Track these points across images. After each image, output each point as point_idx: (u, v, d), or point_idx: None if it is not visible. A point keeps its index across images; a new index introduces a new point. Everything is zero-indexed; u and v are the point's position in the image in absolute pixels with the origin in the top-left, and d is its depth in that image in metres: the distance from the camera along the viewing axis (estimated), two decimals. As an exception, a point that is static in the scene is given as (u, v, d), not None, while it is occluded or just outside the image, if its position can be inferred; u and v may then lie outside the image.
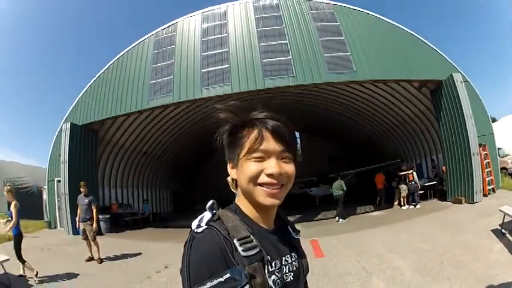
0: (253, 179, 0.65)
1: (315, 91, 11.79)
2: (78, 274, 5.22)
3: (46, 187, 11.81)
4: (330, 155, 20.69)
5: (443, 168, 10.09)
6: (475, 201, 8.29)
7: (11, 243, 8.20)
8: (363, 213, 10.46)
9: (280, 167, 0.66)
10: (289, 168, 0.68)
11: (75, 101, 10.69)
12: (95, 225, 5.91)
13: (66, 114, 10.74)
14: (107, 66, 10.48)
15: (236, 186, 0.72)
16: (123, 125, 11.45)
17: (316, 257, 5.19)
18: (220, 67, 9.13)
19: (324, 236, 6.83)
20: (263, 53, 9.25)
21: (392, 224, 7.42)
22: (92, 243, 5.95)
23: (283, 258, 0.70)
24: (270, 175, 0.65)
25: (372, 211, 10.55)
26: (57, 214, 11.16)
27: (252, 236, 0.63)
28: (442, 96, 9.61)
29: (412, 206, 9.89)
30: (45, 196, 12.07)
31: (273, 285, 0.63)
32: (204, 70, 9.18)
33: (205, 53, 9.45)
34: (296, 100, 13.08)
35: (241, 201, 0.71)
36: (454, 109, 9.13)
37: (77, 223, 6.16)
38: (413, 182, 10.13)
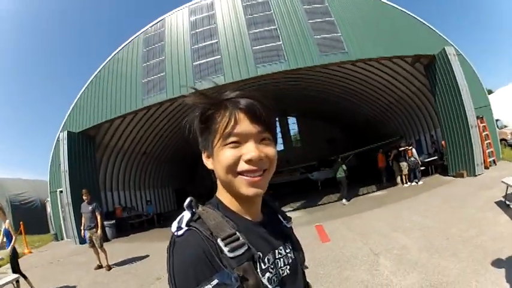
0: (231, 168, 0.59)
1: (308, 75, 11.70)
2: (89, 284, 5.18)
3: (49, 199, 11.77)
4: (329, 138, 20.64)
5: (443, 142, 10.09)
6: (476, 173, 8.28)
7: (20, 261, 8.23)
8: (366, 193, 10.44)
9: (260, 150, 0.59)
10: (270, 150, 0.61)
11: (70, 109, 10.60)
12: (100, 232, 5.83)
13: (62, 123, 10.66)
14: (98, 70, 10.38)
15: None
16: (119, 128, 11.39)
17: (322, 242, 5.17)
18: (211, 58, 9.06)
19: (328, 220, 6.82)
20: (253, 40, 9.17)
21: (395, 202, 7.40)
22: (99, 250, 5.88)
23: (276, 251, 0.64)
24: (248, 161, 0.58)
25: (374, 191, 10.54)
26: (62, 225, 11.13)
27: (237, 233, 0.57)
28: (436, 70, 9.55)
29: (414, 183, 9.90)
30: (49, 209, 12.03)
31: (268, 284, 0.57)
32: (195, 63, 9.10)
33: (196, 46, 9.36)
34: (291, 85, 13.00)
35: (221, 194, 0.65)
36: (449, 83, 9.08)
37: (82, 232, 6.09)
38: (412, 159, 10.14)
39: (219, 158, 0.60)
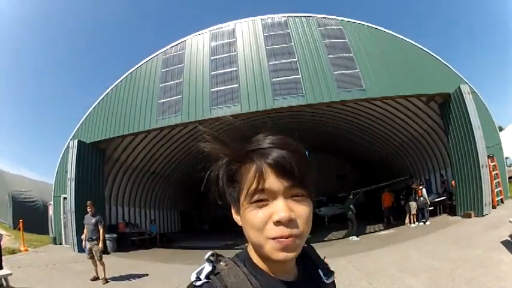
0: (260, 230, 0.52)
1: (323, 109, 11.71)
2: None
3: (52, 203, 11.74)
4: (339, 174, 20.40)
5: (453, 182, 10.00)
6: (484, 213, 8.22)
7: (14, 257, 8.14)
8: (373, 232, 10.32)
9: (290, 209, 0.52)
10: (303, 208, 0.54)
11: (83, 119, 10.65)
12: (101, 245, 5.82)
13: (74, 131, 10.70)
14: (115, 84, 10.45)
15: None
16: (131, 144, 11.40)
17: None
18: (229, 86, 9.09)
19: (334, 257, 6.70)
20: (272, 71, 9.21)
21: (402, 242, 7.38)
22: (98, 262, 5.88)
23: None
24: (277, 222, 0.51)
25: (382, 230, 10.43)
26: (62, 231, 11.08)
27: None
28: (450, 109, 9.54)
29: (421, 223, 9.78)
30: (50, 212, 11.99)
31: None
32: (213, 89, 9.13)
33: (214, 72, 9.41)
34: (306, 119, 12.99)
35: (251, 249, 0.59)
36: (463, 121, 9.07)
37: (84, 243, 6.10)
38: (422, 198, 10.04)
39: (246, 218, 0.54)
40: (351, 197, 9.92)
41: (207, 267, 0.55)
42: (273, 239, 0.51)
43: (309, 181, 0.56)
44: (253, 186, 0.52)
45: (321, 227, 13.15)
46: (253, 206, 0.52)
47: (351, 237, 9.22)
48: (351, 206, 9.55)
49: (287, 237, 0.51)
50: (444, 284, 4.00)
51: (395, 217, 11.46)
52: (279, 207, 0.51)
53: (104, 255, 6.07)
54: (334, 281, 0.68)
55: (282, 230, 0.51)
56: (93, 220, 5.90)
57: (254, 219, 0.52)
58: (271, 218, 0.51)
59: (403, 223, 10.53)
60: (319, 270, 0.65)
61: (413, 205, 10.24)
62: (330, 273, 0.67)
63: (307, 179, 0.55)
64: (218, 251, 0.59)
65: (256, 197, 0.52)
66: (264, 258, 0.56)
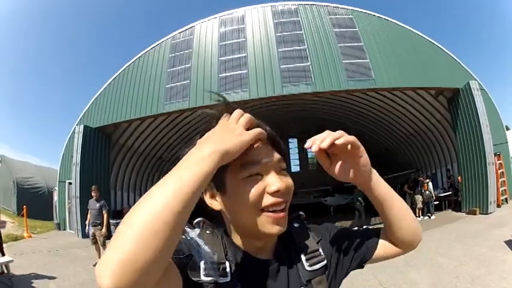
0: (255, 204, 0.51)
1: (332, 99, 11.62)
2: (85, 280, 5.07)
3: (57, 188, 11.76)
4: None
5: (459, 178, 9.97)
6: (489, 212, 8.21)
7: (17, 244, 8.16)
8: (378, 223, 10.28)
9: (283, 180, 0.53)
10: (290, 180, 0.55)
11: (89, 104, 10.60)
12: (104, 230, 5.77)
13: (80, 117, 10.66)
14: (122, 69, 10.38)
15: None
16: (137, 129, 11.32)
17: None
18: (238, 72, 9.00)
19: None
20: (281, 58, 9.11)
21: None
22: (101, 248, 5.82)
23: None
24: (275, 193, 0.51)
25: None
26: (67, 216, 11.11)
27: (227, 262, 0.51)
28: (459, 104, 9.47)
29: (426, 217, 9.73)
30: (55, 197, 12.02)
31: None
32: (221, 75, 9.06)
33: (223, 58, 9.32)
34: (313, 108, 12.90)
35: (232, 231, 0.58)
36: (471, 118, 9.01)
37: (87, 228, 6.05)
38: (427, 192, 10.00)
39: (237, 195, 0.51)
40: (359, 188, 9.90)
41: (194, 231, 0.53)
42: (267, 209, 0.51)
43: (287, 157, 0.58)
44: (248, 159, 0.50)
45: (326, 217, 13.07)
46: (247, 180, 0.50)
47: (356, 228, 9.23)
48: (359, 197, 9.51)
49: (281, 204, 0.52)
50: (448, 280, 4.02)
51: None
52: (275, 179, 0.51)
53: (107, 241, 5.95)
54: (322, 268, 0.60)
55: (277, 199, 0.51)
56: (97, 205, 5.83)
57: (251, 193, 0.50)
58: (267, 188, 0.51)
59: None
60: (302, 255, 0.60)
61: (418, 198, 10.20)
62: (315, 259, 0.60)
63: (286, 154, 0.58)
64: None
65: (251, 171, 0.51)
66: (250, 236, 0.55)
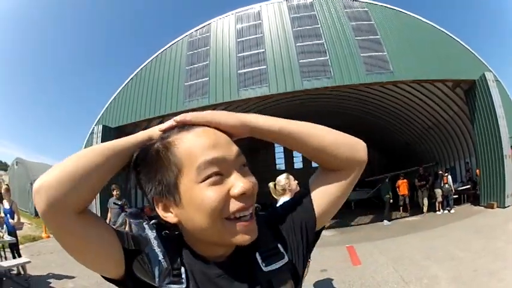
0: (220, 212, 0.45)
1: (350, 92, 11.55)
2: (103, 278, 5.09)
3: (76, 189, 11.88)
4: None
5: (477, 171, 9.86)
6: (506, 205, 8.14)
7: (35, 244, 8.20)
8: (399, 218, 10.23)
9: (249, 180, 0.47)
10: (254, 179, 0.49)
11: (108, 104, 10.71)
12: (127, 228, 5.69)
13: (98, 117, 10.77)
14: (140, 68, 10.47)
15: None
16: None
17: (353, 264, 5.15)
18: (257, 68, 9.00)
19: (361, 242, 6.82)
20: (300, 53, 9.08)
21: (428, 229, 7.42)
22: None
23: None
24: (241, 195, 0.45)
25: (407, 216, 10.34)
26: (86, 215, 11.22)
27: (182, 268, 0.49)
28: (475, 96, 9.35)
29: (446, 211, 9.67)
30: (74, 198, 12.14)
31: None
32: (240, 71, 9.06)
33: (241, 54, 9.33)
34: (333, 102, 12.82)
35: (187, 237, 0.53)
36: (487, 110, 8.90)
37: None
38: (447, 186, 9.91)
39: (195, 204, 0.45)
40: (387, 181, 9.96)
41: (152, 232, 0.51)
42: (235, 218, 0.45)
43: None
44: (199, 159, 0.44)
45: (347, 212, 13.04)
46: (205, 185, 0.44)
47: (383, 222, 9.20)
48: (388, 190, 9.59)
49: (248, 209, 0.46)
50: (466, 274, 4.03)
51: (412, 205, 11.26)
52: (239, 180, 0.45)
53: (129, 239, 6.03)
54: (284, 266, 0.52)
55: (244, 205, 0.45)
56: (119, 203, 5.81)
57: (211, 198, 0.44)
58: (232, 191, 0.45)
59: (421, 212, 10.36)
60: (257, 253, 0.52)
61: (438, 192, 10.12)
62: (274, 258, 0.52)
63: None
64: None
65: (206, 172, 0.44)
66: (213, 244, 0.50)
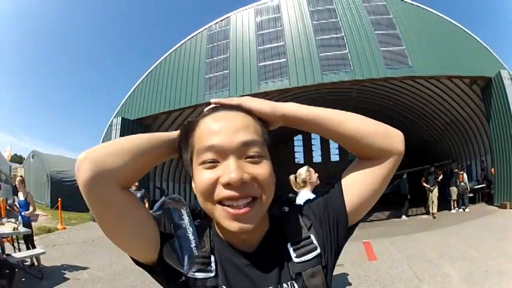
0: (208, 195, 0.46)
1: (369, 87, 11.51)
2: (121, 269, 5.02)
3: (94, 180, 12.00)
4: None
5: (492, 170, 9.76)
6: None
7: (49, 236, 8.17)
8: (414, 215, 10.22)
9: (243, 170, 0.45)
10: (260, 170, 0.47)
11: (127, 96, 10.84)
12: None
13: (117, 109, 10.90)
14: (159, 61, 10.57)
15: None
16: (177, 120, 11.41)
17: (369, 259, 5.21)
18: (277, 61, 9.04)
19: (377, 238, 6.86)
20: (320, 46, 9.09)
21: (443, 227, 7.47)
22: None
23: None
24: (226, 185, 0.44)
25: (423, 214, 10.33)
26: (104, 207, 11.32)
27: (212, 257, 0.51)
28: (491, 94, 9.31)
29: (461, 210, 9.63)
30: (92, 189, 12.26)
31: None
32: (260, 64, 9.11)
33: (261, 47, 9.38)
34: (353, 96, 12.75)
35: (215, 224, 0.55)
36: (503, 108, 8.85)
37: None
38: (462, 184, 9.81)
39: (195, 181, 0.49)
40: (405, 177, 9.93)
41: (189, 218, 0.52)
42: (221, 203, 0.46)
43: (266, 136, 0.51)
44: (201, 143, 0.47)
45: None
46: (201, 168, 0.47)
47: (402, 217, 9.29)
48: (407, 185, 9.61)
49: (238, 200, 0.45)
50: (478, 274, 4.08)
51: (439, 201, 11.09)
52: (229, 168, 0.44)
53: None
54: (315, 259, 0.52)
55: (231, 193, 0.45)
56: (138, 194, 5.88)
57: (202, 182, 0.46)
58: (220, 180, 0.45)
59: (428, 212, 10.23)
60: (289, 245, 0.53)
61: (454, 190, 10.04)
62: (306, 249, 0.52)
63: (264, 134, 0.50)
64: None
65: (203, 157, 0.46)
66: (220, 227, 0.52)
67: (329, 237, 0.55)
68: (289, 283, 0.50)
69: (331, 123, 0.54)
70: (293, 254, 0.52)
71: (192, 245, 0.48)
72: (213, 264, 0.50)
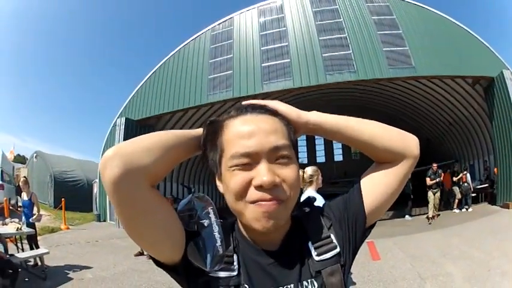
0: (241, 196, 0.48)
1: (372, 87, 11.54)
2: (125, 269, 5.03)
3: (97, 180, 12.06)
4: None
5: (495, 169, 9.78)
6: None
7: (53, 236, 8.10)
8: (417, 215, 10.23)
9: (274, 173, 0.47)
10: (289, 172, 0.49)
11: (130, 96, 10.87)
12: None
13: (121, 110, 10.93)
14: (163, 62, 10.59)
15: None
16: (180, 120, 11.47)
17: (373, 259, 5.24)
18: (280, 61, 9.07)
19: (381, 238, 6.84)
20: (323, 47, 9.12)
21: (445, 227, 7.49)
22: None
23: None
24: (258, 187, 0.46)
25: (426, 213, 10.33)
26: (107, 207, 11.37)
27: (235, 255, 0.51)
28: (494, 94, 9.32)
29: (464, 210, 9.62)
30: (95, 189, 12.31)
31: None
32: (264, 64, 9.14)
33: (265, 47, 9.41)
34: (356, 96, 12.85)
35: (241, 225, 0.56)
36: (505, 108, 8.87)
37: None
38: (466, 184, 9.82)
39: (226, 183, 0.50)
40: (409, 177, 9.92)
41: (217, 218, 0.53)
42: (253, 202, 0.47)
43: (293, 140, 0.53)
44: (234, 148, 0.48)
45: None
46: (233, 170, 0.48)
47: (405, 217, 9.32)
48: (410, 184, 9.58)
49: (269, 201, 0.46)
50: (480, 273, 4.11)
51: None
52: (261, 171, 0.46)
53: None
54: (335, 257, 0.54)
55: (263, 195, 0.46)
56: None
57: (233, 184, 0.47)
58: (253, 182, 0.47)
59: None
60: (309, 244, 0.54)
61: (457, 190, 10.05)
62: (326, 247, 0.54)
63: (291, 137, 0.52)
64: None
65: (237, 162, 0.47)
66: (246, 226, 0.53)
67: (348, 237, 0.57)
68: (309, 281, 0.52)
69: (351, 130, 0.57)
70: (314, 253, 0.53)
71: (217, 244, 0.49)
72: (235, 263, 0.51)
